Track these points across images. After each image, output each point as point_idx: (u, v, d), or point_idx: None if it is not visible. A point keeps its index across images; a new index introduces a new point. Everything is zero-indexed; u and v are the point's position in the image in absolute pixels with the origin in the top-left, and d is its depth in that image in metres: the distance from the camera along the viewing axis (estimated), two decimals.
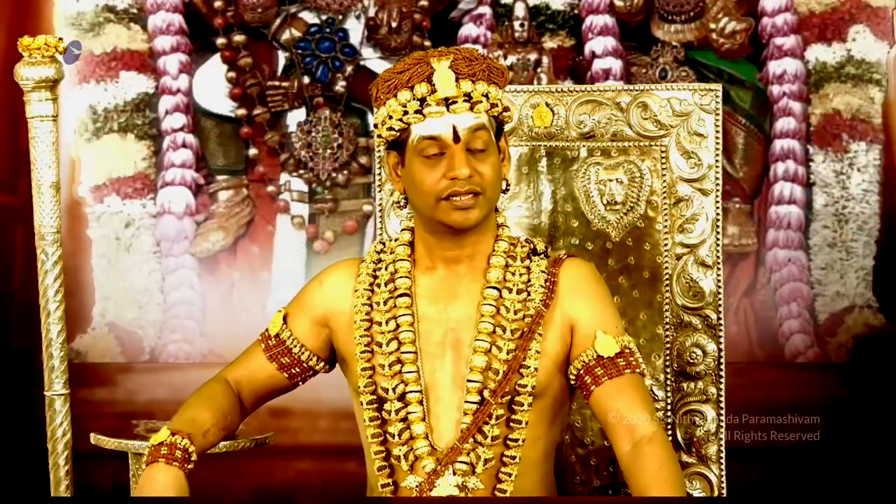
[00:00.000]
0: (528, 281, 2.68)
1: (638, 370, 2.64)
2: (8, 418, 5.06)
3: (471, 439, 2.62)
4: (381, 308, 2.69)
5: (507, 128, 2.79)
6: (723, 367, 3.04)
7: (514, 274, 2.68)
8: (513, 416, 2.64)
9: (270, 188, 5.41)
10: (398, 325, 2.67)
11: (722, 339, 3.04)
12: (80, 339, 5.31)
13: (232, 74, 5.41)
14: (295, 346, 2.73)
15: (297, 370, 2.74)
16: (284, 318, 2.74)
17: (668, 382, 3.05)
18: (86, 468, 3.18)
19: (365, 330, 2.68)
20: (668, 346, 3.05)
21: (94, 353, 5.33)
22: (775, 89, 5.34)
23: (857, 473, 5.02)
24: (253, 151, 5.42)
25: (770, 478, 4.96)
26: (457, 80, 2.60)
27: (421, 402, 2.64)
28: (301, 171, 5.38)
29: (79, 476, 2.87)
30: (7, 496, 4.62)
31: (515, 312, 2.65)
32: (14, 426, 5.01)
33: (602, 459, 3.07)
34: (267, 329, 2.76)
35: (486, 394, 2.62)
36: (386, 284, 2.70)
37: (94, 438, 3.11)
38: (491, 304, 2.65)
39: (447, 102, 2.60)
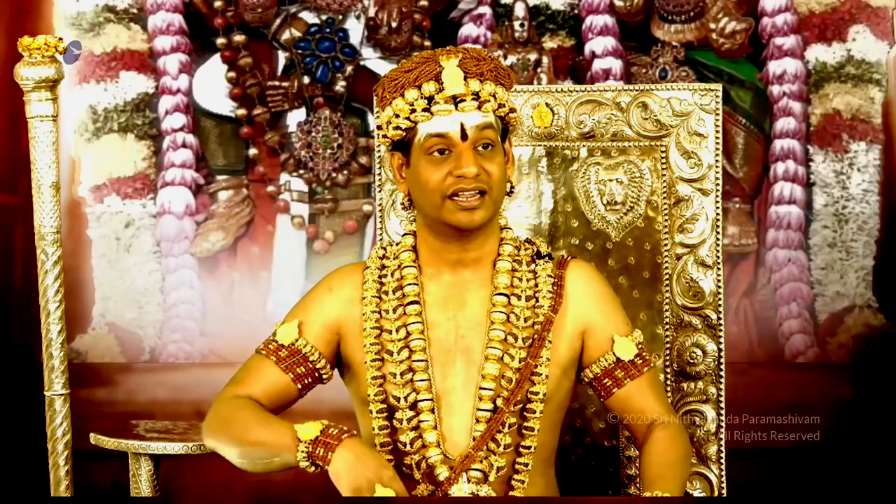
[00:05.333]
0: (536, 286, 2.68)
1: (652, 365, 2.71)
2: (8, 418, 5.06)
3: (484, 447, 2.62)
4: (390, 316, 2.67)
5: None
6: (723, 367, 3.04)
7: (521, 279, 2.68)
8: (525, 424, 2.64)
9: (270, 188, 5.41)
10: (408, 333, 2.66)
11: (722, 339, 3.04)
12: (80, 339, 5.31)
13: (232, 74, 5.41)
14: (312, 355, 2.67)
15: (310, 381, 2.68)
16: (299, 327, 2.68)
17: (668, 382, 3.05)
18: (86, 468, 3.18)
19: (375, 338, 2.66)
20: (668, 346, 3.05)
21: (94, 353, 5.33)
22: (775, 89, 5.34)
23: (857, 474, 5.02)
24: (253, 151, 5.42)
25: (770, 478, 4.96)
26: (465, 78, 2.60)
27: (433, 411, 2.63)
28: (301, 171, 5.38)
29: (79, 476, 2.87)
30: (7, 496, 4.62)
31: (525, 320, 2.65)
32: (14, 426, 5.01)
33: (602, 460, 3.07)
34: (274, 340, 2.68)
35: (499, 402, 2.62)
36: (394, 292, 2.68)
37: (94, 438, 3.11)
38: (501, 312, 2.65)
39: (455, 100, 2.60)
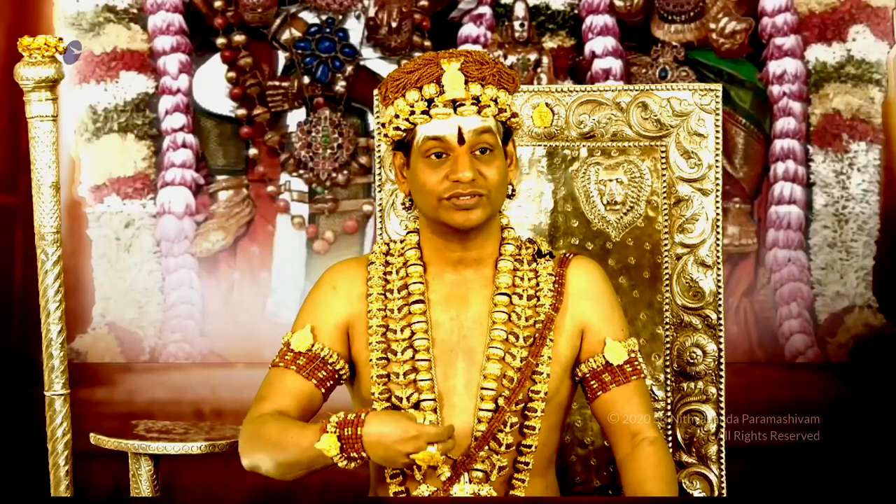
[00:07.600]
0: (537, 285, 2.68)
1: (642, 375, 2.70)
2: (8, 418, 5.06)
3: (485, 447, 2.62)
4: (395, 315, 2.67)
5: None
6: (723, 367, 3.04)
7: (522, 279, 2.68)
8: (526, 423, 2.65)
9: (270, 188, 5.41)
10: (413, 333, 2.66)
11: (722, 339, 3.04)
12: (80, 339, 5.31)
13: (232, 74, 5.41)
14: (331, 357, 2.67)
15: (331, 383, 2.68)
16: (312, 332, 2.67)
17: (668, 382, 3.05)
18: (86, 468, 3.18)
19: (381, 336, 2.67)
20: (668, 346, 3.05)
21: (94, 353, 5.33)
22: (775, 89, 5.34)
23: (857, 473, 5.02)
24: (253, 151, 5.42)
25: (770, 478, 4.96)
26: (466, 82, 2.60)
27: (435, 411, 2.63)
28: (301, 171, 5.38)
29: (79, 476, 2.87)
30: (7, 496, 4.62)
31: (527, 319, 2.66)
32: (14, 426, 5.01)
33: (602, 459, 3.07)
34: (289, 350, 2.67)
35: (500, 401, 2.62)
36: (399, 290, 2.69)
37: (94, 438, 3.11)
38: (502, 311, 2.65)
39: (454, 104, 2.59)
